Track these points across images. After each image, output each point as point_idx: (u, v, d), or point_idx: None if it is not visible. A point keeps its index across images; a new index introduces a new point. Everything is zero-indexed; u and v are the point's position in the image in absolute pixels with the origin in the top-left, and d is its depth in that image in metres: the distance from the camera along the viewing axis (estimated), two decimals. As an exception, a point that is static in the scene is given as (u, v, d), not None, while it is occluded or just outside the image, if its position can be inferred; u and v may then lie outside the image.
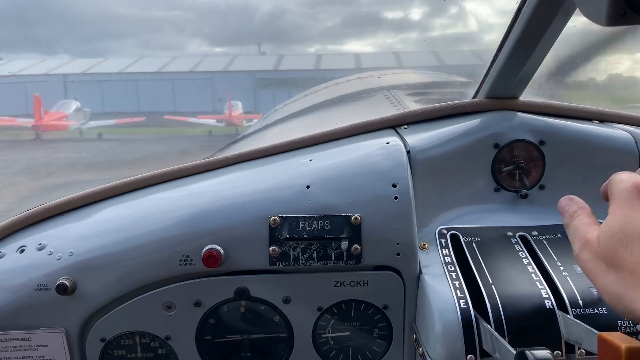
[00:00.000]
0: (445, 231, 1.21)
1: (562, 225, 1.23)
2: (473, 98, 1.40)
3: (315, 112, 2.18)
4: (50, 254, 1.14)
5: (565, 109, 1.36)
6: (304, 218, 1.12)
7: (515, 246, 1.17)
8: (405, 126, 1.37)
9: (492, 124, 1.30)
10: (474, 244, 1.18)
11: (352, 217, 1.11)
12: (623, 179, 0.71)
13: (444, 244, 1.18)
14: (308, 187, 1.16)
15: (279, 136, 1.94)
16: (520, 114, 1.32)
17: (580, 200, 0.81)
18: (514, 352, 0.87)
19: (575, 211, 0.79)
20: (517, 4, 1.14)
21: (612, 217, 0.69)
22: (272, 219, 1.11)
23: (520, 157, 1.28)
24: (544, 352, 0.83)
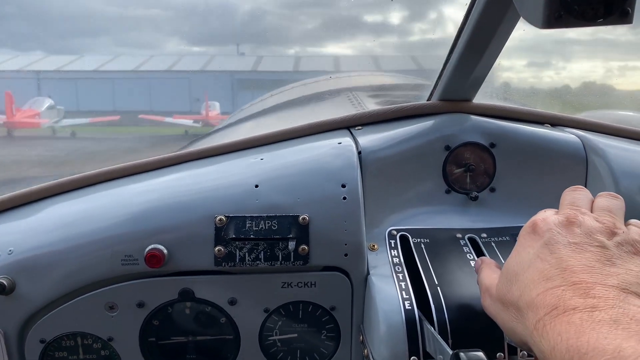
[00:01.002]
0: (395, 232, 1.20)
1: (511, 227, 1.25)
2: (427, 100, 1.40)
3: (278, 112, 2.17)
4: None
5: (517, 112, 1.38)
6: (251, 218, 1.10)
7: (464, 248, 1.18)
8: (360, 127, 1.37)
9: (444, 126, 1.30)
10: (422, 245, 1.18)
11: (300, 217, 1.10)
12: (533, 218, 0.78)
13: (393, 245, 1.18)
14: (257, 186, 1.14)
15: (239, 135, 1.93)
16: (472, 117, 1.33)
17: (485, 257, 0.95)
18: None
19: (479, 266, 0.91)
20: (466, 7, 1.15)
21: (508, 258, 0.78)
22: (218, 218, 1.10)
23: (471, 160, 1.29)
24: (478, 354, 0.83)
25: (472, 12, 1.13)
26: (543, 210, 0.80)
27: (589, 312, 0.59)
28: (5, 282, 1.06)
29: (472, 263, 1.13)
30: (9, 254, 1.10)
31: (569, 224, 0.72)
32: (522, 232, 0.78)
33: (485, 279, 0.85)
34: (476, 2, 1.11)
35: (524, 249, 0.74)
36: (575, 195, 0.80)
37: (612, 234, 0.69)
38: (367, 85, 2.07)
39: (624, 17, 0.77)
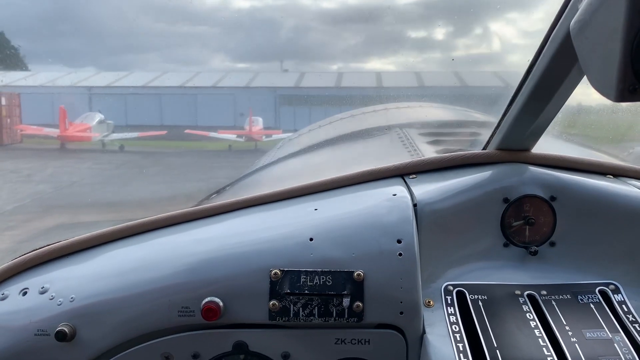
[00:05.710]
0: (451, 287, 1.18)
1: (572, 285, 1.21)
2: (483, 149, 1.37)
3: (327, 148, 2.17)
4: (51, 299, 1.14)
5: (578, 162, 1.33)
6: (306, 272, 1.10)
7: (523, 306, 1.14)
8: (414, 175, 1.35)
9: (502, 177, 1.27)
10: (480, 303, 1.15)
11: (355, 274, 1.09)
12: None
13: (449, 302, 1.15)
14: (311, 239, 1.14)
15: (288, 174, 1.93)
16: (531, 168, 1.29)
17: None
18: None
19: None
20: (529, 61, 1.12)
21: None
22: (273, 272, 1.10)
23: (531, 213, 1.25)
24: None
25: (536, 63, 1.11)
26: None
27: None
28: (66, 329, 1.09)
29: (532, 324, 1.09)
30: (70, 301, 1.13)
31: None
32: None
33: None
34: (541, 55, 1.09)
35: None
36: None
37: None
38: (416, 122, 2.05)
39: None
